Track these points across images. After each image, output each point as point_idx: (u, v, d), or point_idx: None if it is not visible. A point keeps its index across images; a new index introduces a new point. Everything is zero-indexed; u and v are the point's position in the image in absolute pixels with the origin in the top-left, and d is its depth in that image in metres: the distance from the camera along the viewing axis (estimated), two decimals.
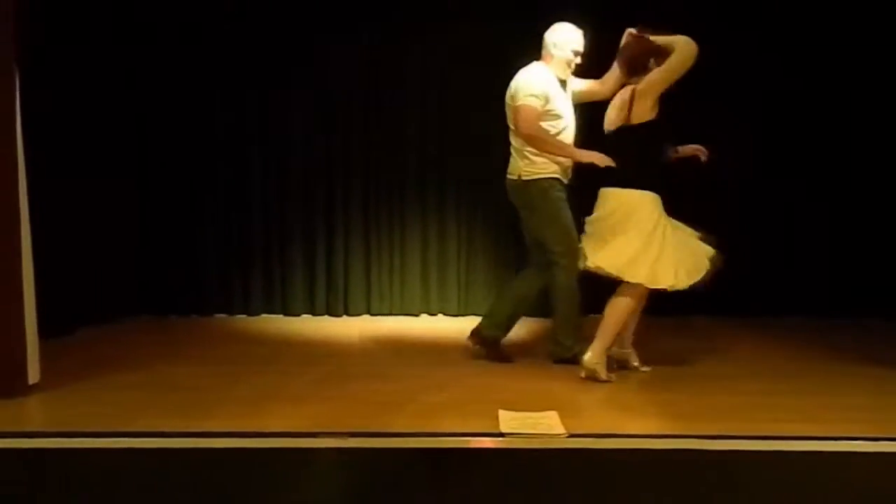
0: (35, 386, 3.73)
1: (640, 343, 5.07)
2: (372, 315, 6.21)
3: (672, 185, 4.23)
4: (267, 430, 3.18)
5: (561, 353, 4.52)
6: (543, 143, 4.45)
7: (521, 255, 6.18)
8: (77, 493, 2.90)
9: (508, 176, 4.61)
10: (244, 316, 6.17)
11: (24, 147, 3.70)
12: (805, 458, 2.97)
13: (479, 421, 3.31)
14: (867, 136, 6.05)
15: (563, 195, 4.53)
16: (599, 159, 4.30)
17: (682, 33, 4.12)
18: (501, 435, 3.11)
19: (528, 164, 4.51)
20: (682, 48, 4.06)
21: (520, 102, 4.43)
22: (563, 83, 4.59)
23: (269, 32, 6.09)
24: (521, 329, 5.53)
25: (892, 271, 5.95)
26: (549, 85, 4.47)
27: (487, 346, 4.67)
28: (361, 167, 6.21)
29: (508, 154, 4.60)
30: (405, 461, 2.99)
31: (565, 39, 4.51)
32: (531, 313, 4.93)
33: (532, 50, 4.61)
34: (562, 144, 4.50)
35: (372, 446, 3.03)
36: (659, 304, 6.08)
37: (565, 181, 4.55)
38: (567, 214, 4.50)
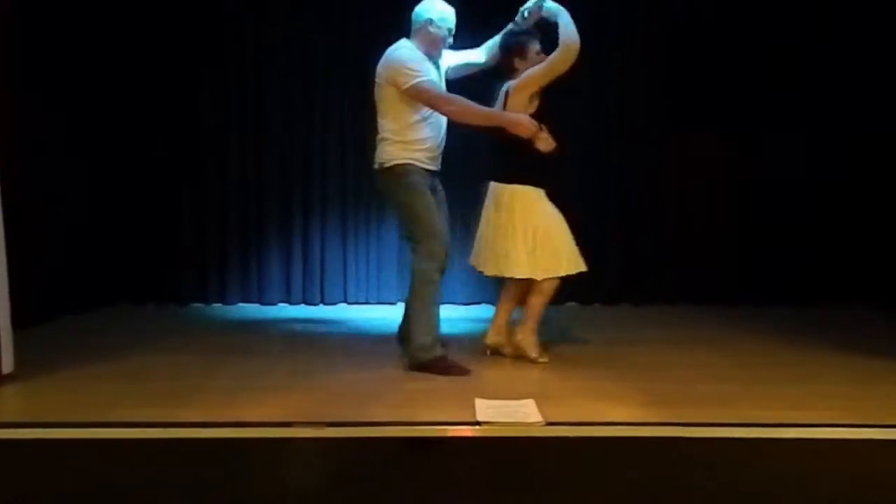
0: (9, 376, 3.69)
1: (622, 329, 5.12)
2: (348, 304, 6.22)
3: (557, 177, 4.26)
4: (244, 420, 3.17)
5: (420, 356, 4.05)
6: (463, 113, 4.12)
7: None
8: (52, 484, 2.88)
9: (373, 165, 4.29)
10: (220, 305, 6.15)
11: None
12: (787, 446, 3.00)
13: (457, 409, 3.31)
14: (858, 127, 6.07)
15: (423, 181, 4.15)
16: (526, 128, 4.08)
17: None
18: (478, 423, 3.11)
19: (385, 151, 4.16)
20: (567, 46, 4.04)
21: (407, 85, 4.03)
22: (435, 63, 4.27)
23: (250, 26, 6.07)
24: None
25: (877, 259, 6.01)
26: (422, 62, 4.12)
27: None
28: (338, 156, 6.19)
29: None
30: (382, 450, 3.00)
31: (441, 16, 4.18)
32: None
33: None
34: (486, 111, 4.18)
35: (349, 435, 3.03)
36: (643, 291, 6.17)
37: (432, 168, 4.25)
38: (425, 201, 4.12)
